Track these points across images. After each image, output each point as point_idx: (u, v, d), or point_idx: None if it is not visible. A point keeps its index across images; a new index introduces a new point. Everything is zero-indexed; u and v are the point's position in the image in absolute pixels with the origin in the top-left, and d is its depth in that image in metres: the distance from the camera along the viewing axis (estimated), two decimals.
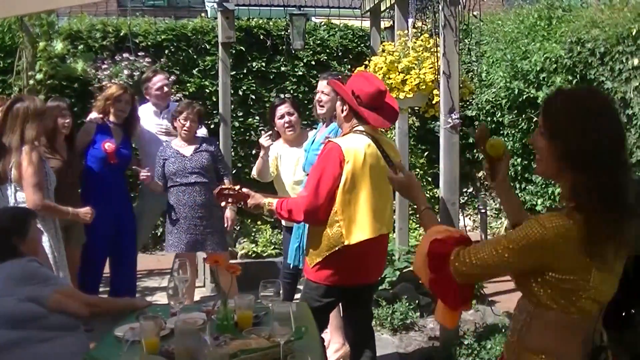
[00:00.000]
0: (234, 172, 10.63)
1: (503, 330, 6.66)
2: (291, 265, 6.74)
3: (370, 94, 5.33)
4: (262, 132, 9.32)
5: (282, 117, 7.28)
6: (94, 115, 7.84)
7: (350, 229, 5.25)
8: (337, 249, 5.27)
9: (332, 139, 5.46)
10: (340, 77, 7.00)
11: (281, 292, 4.61)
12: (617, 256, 2.91)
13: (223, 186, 5.66)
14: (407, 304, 7.38)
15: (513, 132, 10.64)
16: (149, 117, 8.50)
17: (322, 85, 6.92)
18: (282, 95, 9.47)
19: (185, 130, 7.67)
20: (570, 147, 2.87)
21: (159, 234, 11.04)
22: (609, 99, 3.12)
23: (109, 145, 7.63)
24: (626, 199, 2.85)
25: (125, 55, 10.20)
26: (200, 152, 7.72)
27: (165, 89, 8.53)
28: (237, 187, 5.55)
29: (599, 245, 2.80)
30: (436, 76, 6.86)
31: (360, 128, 5.37)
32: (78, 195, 7.41)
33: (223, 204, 5.69)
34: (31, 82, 8.81)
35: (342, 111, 5.47)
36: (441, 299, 3.31)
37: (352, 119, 5.44)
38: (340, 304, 5.92)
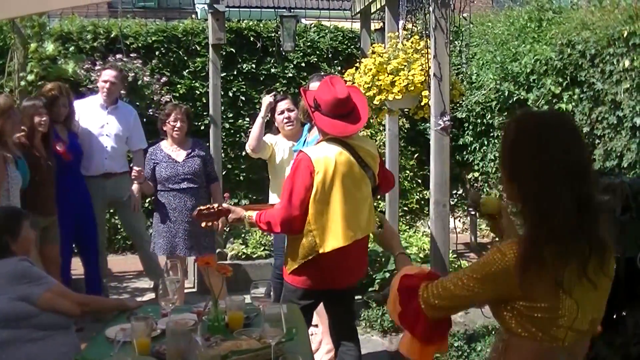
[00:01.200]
0: (224, 173, 10.66)
1: (493, 332, 6.67)
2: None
3: (327, 102, 5.32)
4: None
5: (282, 112, 7.42)
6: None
7: (324, 238, 5.28)
8: (311, 257, 5.32)
9: (304, 148, 5.50)
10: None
11: (272, 292, 4.62)
12: (598, 272, 2.81)
13: (201, 207, 5.64)
14: None
15: (503, 134, 10.65)
16: (92, 110, 8.50)
17: (313, 87, 6.95)
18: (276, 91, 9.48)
19: (176, 131, 7.63)
20: (511, 171, 2.92)
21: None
22: (564, 121, 2.99)
23: (60, 146, 7.66)
24: (571, 218, 2.73)
25: (118, 56, 10.20)
26: (193, 157, 7.69)
27: (109, 85, 8.44)
28: (216, 205, 5.60)
29: (545, 272, 2.73)
30: (426, 78, 6.87)
31: (331, 137, 5.39)
32: (54, 193, 7.44)
33: (203, 224, 5.63)
34: (22, 83, 8.80)
35: (312, 120, 5.51)
36: (409, 330, 3.21)
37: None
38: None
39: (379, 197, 10.90)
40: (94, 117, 8.43)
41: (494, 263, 2.79)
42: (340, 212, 5.28)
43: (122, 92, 9.11)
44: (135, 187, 8.11)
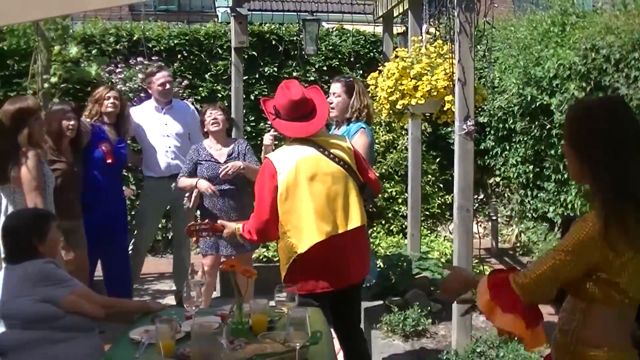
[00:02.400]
0: None
1: (515, 338, 6.62)
2: None
3: (284, 105, 5.40)
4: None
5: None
6: (83, 119, 7.84)
7: (299, 237, 5.26)
8: (293, 259, 5.31)
9: (268, 154, 5.55)
10: (352, 80, 7.04)
11: (297, 296, 4.61)
12: None
13: (192, 223, 5.70)
14: (419, 310, 7.35)
15: (525, 139, 10.60)
16: (149, 113, 8.58)
17: (334, 87, 6.99)
18: None
19: (214, 124, 7.67)
20: (584, 149, 3.13)
21: (169, 236, 11.00)
22: (619, 102, 3.31)
23: (106, 146, 7.69)
24: None
25: (139, 59, 10.24)
26: (233, 158, 7.66)
27: (167, 85, 8.56)
28: (206, 221, 5.71)
29: (621, 237, 2.97)
30: (449, 82, 6.85)
31: (297, 138, 5.44)
32: (79, 198, 7.43)
33: (194, 239, 5.77)
34: (46, 85, 8.82)
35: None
36: (525, 321, 3.33)
37: None
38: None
39: (400, 201, 10.94)
40: (153, 120, 8.52)
41: (580, 231, 3.02)
42: (311, 208, 5.24)
43: (142, 95, 9.14)
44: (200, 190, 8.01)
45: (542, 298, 3.27)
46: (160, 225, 10.14)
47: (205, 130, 7.78)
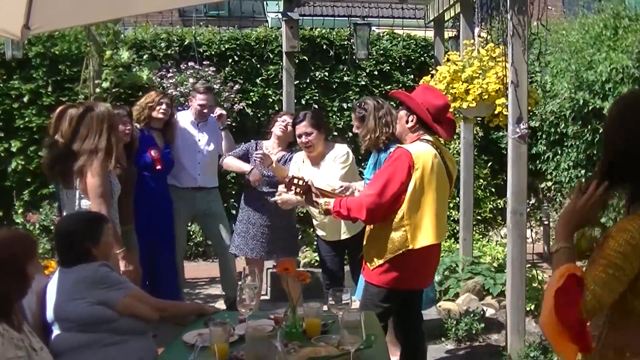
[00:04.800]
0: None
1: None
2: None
3: (439, 107, 5.49)
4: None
5: (300, 136, 7.14)
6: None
7: (416, 234, 5.36)
8: (400, 252, 5.39)
9: (402, 145, 5.50)
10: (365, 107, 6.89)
11: (349, 300, 4.60)
12: None
13: (295, 175, 5.74)
14: (472, 315, 7.32)
15: (577, 143, 10.50)
16: (185, 125, 8.55)
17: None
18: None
19: (282, 127, 7.66)
20: (618, 148, 3.00)
21: None
22: None
23: (155, 152, 7.72)
24: None
25: (191, 63, 10.30)
26: (284, 163, 7.55)
27: (205, 110, 8.48)
28: (308, 180, 5.75)
29: None
30: (501, 86, 6.81)
31: (427, 137, 5.42)
32: (132, 203, 7.46)
33: (291, 193, 5.83)
34: (97, 90, 8.89)
35: (407, 122, 5.51)
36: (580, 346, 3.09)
37: (418, 130, 5.53)
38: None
39: (452, 206, 10.93)
40: (187, 133, 8.50)
41: (629, 234, 2.84)
42: (432, 210, 5.38)
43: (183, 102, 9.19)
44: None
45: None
46: None
47: (271, 130, 7.79)
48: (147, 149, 7.74)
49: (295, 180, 5.70)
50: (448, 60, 7.44)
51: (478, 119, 8.08)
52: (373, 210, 5.33)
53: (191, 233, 11.15)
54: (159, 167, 7.79)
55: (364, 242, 5.72)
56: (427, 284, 6.07)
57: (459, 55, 7.52)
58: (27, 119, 10.84)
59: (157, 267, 8.07)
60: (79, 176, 6.01)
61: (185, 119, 8.57)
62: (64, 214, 6.27)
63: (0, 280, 3.82)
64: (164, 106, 7.92)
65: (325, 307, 4.71)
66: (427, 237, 5.38)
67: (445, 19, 9.89)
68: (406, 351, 5.99)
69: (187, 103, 9.17)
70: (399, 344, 6.09)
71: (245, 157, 7.71)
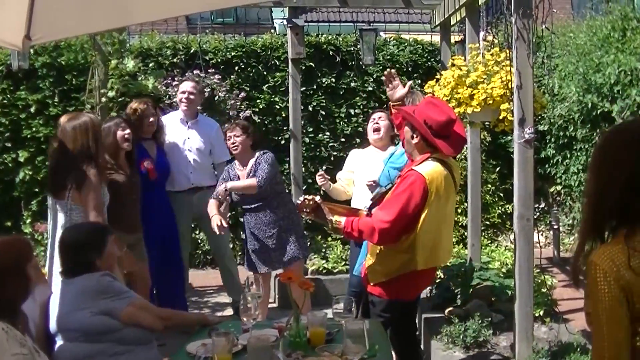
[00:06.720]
0: (304, 187, 10.63)
1: (578, 349, 6.51)
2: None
3: (441, 123, 5.41)
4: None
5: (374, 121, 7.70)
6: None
7: (424, 256, 5.39)
8: (405, 272, 5.42)
9: (415, 167, 5.44)
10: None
11: (353, 308, 4.58)
12: None
13: (307, 197, 5.68)
14: (480, 321, 7.26)
15: (586, 146, 10.45)
16: (174, 124, 8.57)
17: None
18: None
19: (233, 147, 7.75)
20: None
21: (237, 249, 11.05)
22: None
23: (147, 163, 7.69)
24: None
25: (196, 72, 10.30)
26: (252, 175, 7.61)
27: (191, 97, 8.55)
28: (318, 199, 5.64)
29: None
30: (506, 91, 6.77)
31: (436, 155, 5.39)
32: (139, 211, 7.44)
33: (304, 215, 5.80)
34: (103, 99, 8.88)
35: (412, 138, 5.50)
36: None
37: (423, 147, 5.50)
38: None
39: (460, 211, 10.88)
40: (176, 132, 8.49)
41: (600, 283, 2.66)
42: (443, 233, 5.46)
43: (198, 107, 9.16)
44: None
45: None
46: None
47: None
48: (140, 161, 7.69)
49: (306, 201, 5.62)
50: (453, 65, 7.40)
51: (486, 123, 8.02)
52: (385, 236, 5.31)
53: (199, 241, 11.15)
54: (153, 177, 7.76)
55: (370, 259, 5.71)
56: (419, 294, 6.15)
57: (465, 60, 7.48)
58: (34, 129, 10.86)
59: (164, 275, 8.05)
60: (71, 189, 6.01)
61: (174, 118, 8.61)
62: (51, 223, 6.31)
63: (5, 285, 3.82)
64: (150, 118, 7.91)
65: (330, 315, 4.67)
66: (435, 261, 5.52)
67: (452, 23, 9.84)
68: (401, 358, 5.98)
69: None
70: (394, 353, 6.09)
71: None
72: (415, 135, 5.49)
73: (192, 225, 9.59)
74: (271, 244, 7.65)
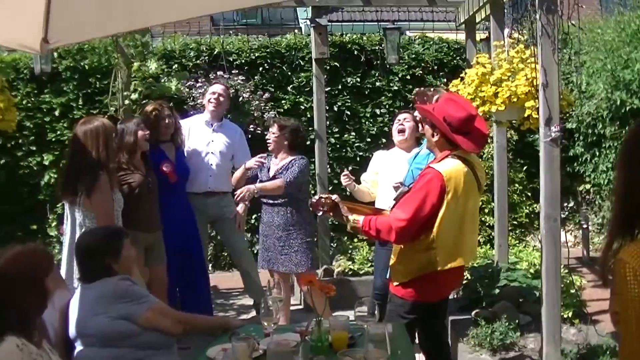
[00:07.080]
0: (330, 188, 10.57)
1: (607, 352, 6.42)
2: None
3: (461, 119, 5.34)
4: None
5: (399, 121, 7.67)
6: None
7: (445, 256, 5.31)
8: (426, 272, 5.34)
9: (433, 165, 5.38)
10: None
11: (376, 311, 4.51)
12: None
13: (323, 196, 5.64)
14: (507, 323, 7.17)
15: (615, 144, 10.33)
16: (198, 126, 8.51)
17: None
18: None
19: (269, 144, 7.90)
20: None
21: (254, 251, 11.01)
22: None
23: (167, 166, 7.63)
24: None
25: (220, 73, 10.26)
26: (280, 174, 7.72)
27: (221, 99, 8.48)
28: (335, 197, 5.60)
29: None
30: (530, 88, 6.67)
31: (457, 153, 5.31)
32: (158, 210, 7.41)
33: (320, 213, 5.69)
34: (126, 102, 8.86)
35: (433, 136, 5.46)
36: None
37: (444, 145, 5.44)
38: None
39: (487, 211, 10.79)
40: (200, 135, 8.42)
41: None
42: (465, 232, 5.36)
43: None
44: (241, 206, 8.16)
45: None
46: None
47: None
48: (159, 164, 7.62)
49: (322, 200, 5.58)
50: (477, 62, 7.31)
51: (513, 121, 7.92)
52: (403, 235, 5.26)
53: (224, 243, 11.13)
54: (173, 180, 7.70)
55: (392, 258, 5.63)
56: (448, 294, 6.09)
57: (488, 58, 7.39)
58: (58, 132, 10.96)
59: (187, 279, 8.01)
60: (80, 194, 6.00)
61: (199, 120, 8.56)
62: (68, 228, 6.29)
63: (18, 296, 3.76)
64: (167, 120, 7.82)
65: (352, 319, 4.60)
66: (456, 260, 5.37)
67: (477, 20, 9.74)
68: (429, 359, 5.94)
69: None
70: (423, 354, 6.03)
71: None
72: (435, 133, 5.44)
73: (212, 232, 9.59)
74: (278, 246, 7.70)
